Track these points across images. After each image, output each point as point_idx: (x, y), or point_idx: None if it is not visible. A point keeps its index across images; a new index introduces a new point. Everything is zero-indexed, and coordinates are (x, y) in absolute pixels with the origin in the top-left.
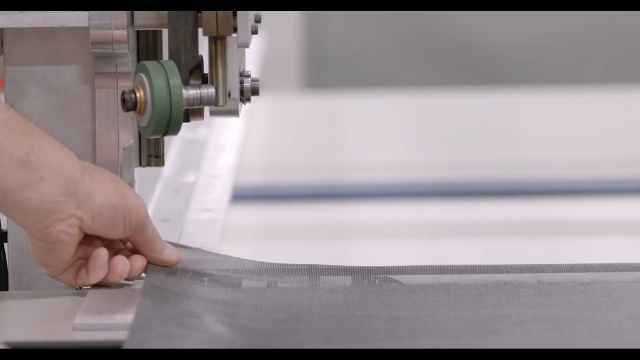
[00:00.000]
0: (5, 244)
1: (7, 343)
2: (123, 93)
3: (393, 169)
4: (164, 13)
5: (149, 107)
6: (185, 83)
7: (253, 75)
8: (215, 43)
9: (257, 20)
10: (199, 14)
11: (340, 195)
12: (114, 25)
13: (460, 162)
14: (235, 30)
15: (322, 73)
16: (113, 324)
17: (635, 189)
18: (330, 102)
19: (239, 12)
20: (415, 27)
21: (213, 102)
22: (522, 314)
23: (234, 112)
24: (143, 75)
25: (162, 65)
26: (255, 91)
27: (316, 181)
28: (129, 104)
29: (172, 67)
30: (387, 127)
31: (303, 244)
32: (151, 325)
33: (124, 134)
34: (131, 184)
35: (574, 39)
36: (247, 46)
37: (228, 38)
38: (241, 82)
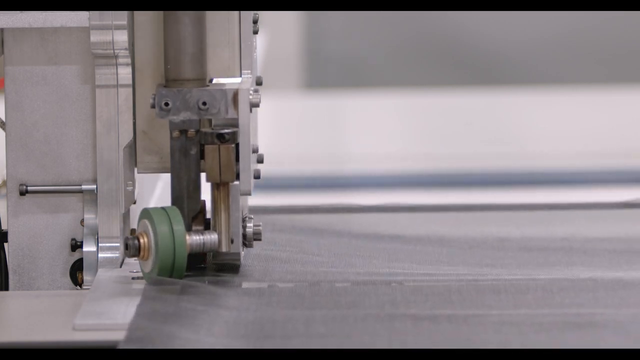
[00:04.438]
0: (5, 244)
1: (7, 343)
2: (126, 239)
3: (393, 169)
4: (167, 157)
5: (152, 254)
6: (188, 229)
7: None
8: (218, 189)
9: (255, 21)
10: (202, 161)
11: (340, 195)
12: (114, 25)
13: (459, 162)
14: (237, 177)
15: (322, 73)
16: (113, 324)
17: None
18: (330, 102)
19: (240, 160)
20: (415, 27)
21: (216, 248)
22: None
23: (237, 258)
24: (147, 222)
25: (165, 211)
26: (257, 236)
27: (316, 181)
28: (132, 251)
29: (176, 214)
30: (387, 126)
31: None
32: (151, 325)
33: (124, 134)
34: (131, 184)
35: (574, 39)
36: (249, 194)
37: (231, 184)
38: (243, 227)
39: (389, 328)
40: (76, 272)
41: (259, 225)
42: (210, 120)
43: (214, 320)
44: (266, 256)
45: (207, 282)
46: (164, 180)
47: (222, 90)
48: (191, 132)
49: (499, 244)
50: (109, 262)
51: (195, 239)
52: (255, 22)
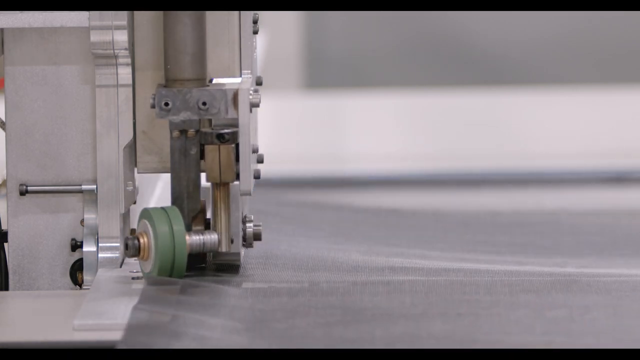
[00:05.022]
0: (5, 244)
1: (7, 343)
2: (126, 239)
3: (393, 169)
4: (167, 157)
5: (152, 254)
6: (188, 229)
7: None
8: (219, 189)
9: (255, 21)
10: (202, 161)
11: (339, 194)
12: (114, 25)
13: (459, 162)
14: (237, 177)
15: (322, 73)
16: (113, 324)
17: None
18: (330, 102)
19: (240, 160)
20: (415, 27)
21: (216, 248)
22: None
23: (237, 258)
24: (147, 222)
25: (165, 211)
26: (257, 236)
27: (316, 181)
28: (132, 251)
29: (176, 214)
30: (387, 127)
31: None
32: (150, 325)
33: (124, 134)
34: (131, 184)
35: (574, 39)
36: (250, 194)
37: (231, 184)
38: (244, 223)
39: (387, 289)
40: (76, 272)
41: (259, 226)
42: (210, 120)
43: (215, 319)
44: (271, 230)
45: (207, 281)
46: (164, 180)
47: (222, 90)
48: (191, 132)
49: (491, 218)
50: (109, 262)
51: (195, 239)
52: (255, 22)
